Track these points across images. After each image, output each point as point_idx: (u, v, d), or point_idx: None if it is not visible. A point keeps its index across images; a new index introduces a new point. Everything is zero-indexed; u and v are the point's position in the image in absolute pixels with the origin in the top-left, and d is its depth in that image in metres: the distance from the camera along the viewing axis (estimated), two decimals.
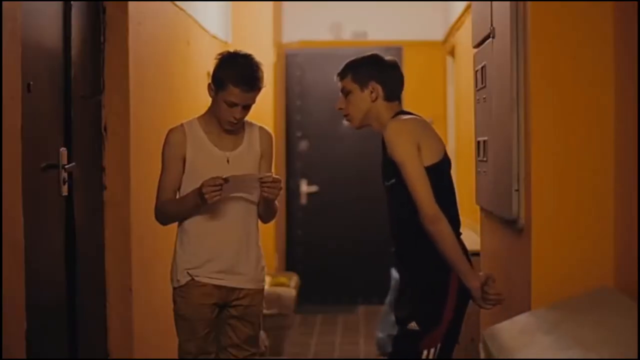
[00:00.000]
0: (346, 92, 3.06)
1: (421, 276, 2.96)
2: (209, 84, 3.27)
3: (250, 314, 3.34)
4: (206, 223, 3.25)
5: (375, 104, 3.01)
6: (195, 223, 3.26)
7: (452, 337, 2.96)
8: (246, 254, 3.30)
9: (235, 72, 3.17)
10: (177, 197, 3.29)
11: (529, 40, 2.62)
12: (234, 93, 3.16)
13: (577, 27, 2.58)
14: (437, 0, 7.45)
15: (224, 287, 3.27)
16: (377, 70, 3.02)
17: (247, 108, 3.23)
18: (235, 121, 3.22)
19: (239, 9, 6.86)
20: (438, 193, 2.85)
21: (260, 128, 3.38)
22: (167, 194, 3.26)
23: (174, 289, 3.30)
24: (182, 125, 3.30)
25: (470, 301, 2.95)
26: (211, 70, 3.33)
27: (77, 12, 3.49)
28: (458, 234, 2.97)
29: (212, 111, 3.30)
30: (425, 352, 2.90)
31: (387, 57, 3.10)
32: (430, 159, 2.88)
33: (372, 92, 3.00)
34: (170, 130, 3.30)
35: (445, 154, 2.96)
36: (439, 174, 2.90)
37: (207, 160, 3.24)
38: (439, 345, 2.89)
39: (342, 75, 3.10)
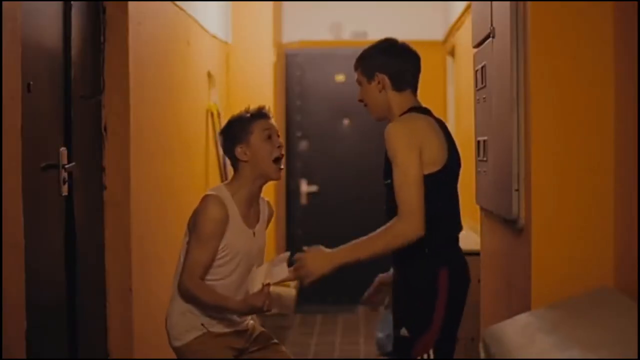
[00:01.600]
0: (360, 84, 3.01)
1: (411, 279, 2.91)
2: (239, 148, 3.18)
3: (265, 339, 3.33)
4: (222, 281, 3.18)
5: (384, 95, 2.94)
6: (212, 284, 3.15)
7: (448, 340, 2.90)
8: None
9: (255, 112, 3.23)
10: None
11: (529, 40, 2.62)
12: (264, 125, 3.20)
13: (577, 27, 2.58)
14: (437, 0, 7.45)
15: (237, 331, 3.23)
16: (383, 60, 2.95)
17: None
18: (282, 152, 3.21)
19: (239, 9, 6.86)
20: (432, 203, 2.79)
21: (266, 201, 3.36)
22: (203, 272, 3.09)
23: (181, 346, 3.16)
24: (218, 197, 3.13)
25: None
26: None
27: (77, 12, 3.49)
28: (456, 239, 2.94)
29: (242, 178, 3.20)
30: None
31: (399, 43, 3.00)
32: (428, 167, 2.81)
33: (378, 83, 2.94)
34: (213, 203, 3.11)
35: (449, 162, 2.87)
36: (436, 184, 2.83)
37: (240, 238, 3.16)
38: (431, 351, 2.84)
39: (355, 66, 3.03)
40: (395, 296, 3.02)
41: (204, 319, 3.14)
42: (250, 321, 3.32)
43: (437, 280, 2.85)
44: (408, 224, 2.75)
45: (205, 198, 3.13)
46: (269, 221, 3.36)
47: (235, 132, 3.21)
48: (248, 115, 3.23)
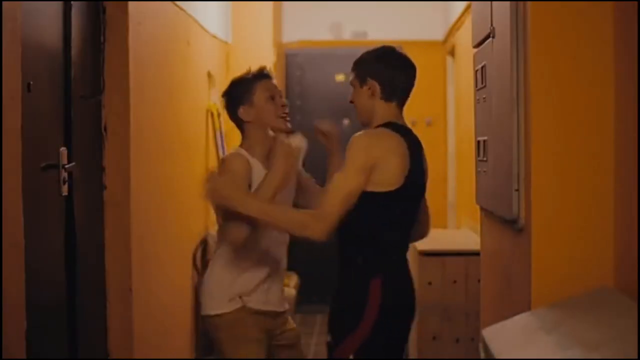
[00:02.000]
0: (353, 86, 3.02)
1: (343, 286, 2.98)
2: (242, 109, 3.22)
3: (294, 337, 3.39)
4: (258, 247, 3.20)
5: (372, 102, 2.95)
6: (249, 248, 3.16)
7: (387, 351, 2.89)
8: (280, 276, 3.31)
9: (256, 73, 3.25)
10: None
11: (529, 40, 2.62)
12: (266, 85, 3.21)
13: (577, 27, 2.58)
14: (437, 0, 7.45)
15: (273, 311, 3.26)
16: (377, 67, 2.96)
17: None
18: (286, 110, 3.22)
19: (239, 9, 6.86)
20: (375, 219, 2.84)
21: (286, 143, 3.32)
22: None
23: (215, 316, 3.18)
24: (238, 153, 3.18)
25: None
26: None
27: (77, 12, 3.49)
28: (399, 254, 2.97)
29: (250, 139, 3.24)
30: None
31: (397, 53, 3.03)
32: (379, 186, 2.81)
33: (369, 89, 2.95)
34: (234, 157, 3.16)
35: (406, 184, 2.85)
36: (384, 202, 2.83)
37: None
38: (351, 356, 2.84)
39: (352, 68, 3.04)
40: (330, 302, 3.03)
41: (241, 290, 3.15)
42: (287, 305, 3.32)
43: (367, 290, 2.86)
44: (317, 225, 2.80)
45: (227, 157, 3.18)
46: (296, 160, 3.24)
47: (238, 93, 3.24)
48: (250, 76, 3.25)
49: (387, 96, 2.95)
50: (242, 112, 3.22)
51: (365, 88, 2.96)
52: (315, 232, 2.80)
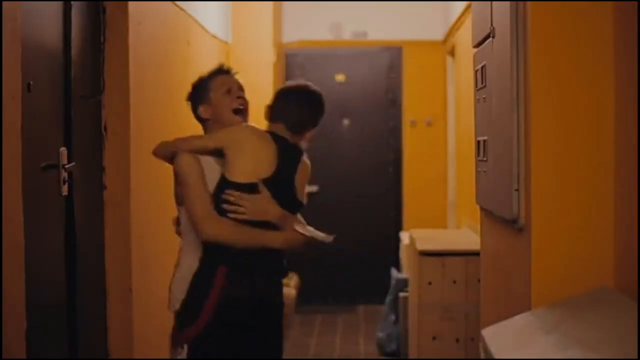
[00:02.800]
0: None
1: (196, 272, 3.06)
2: (201, 107, 3.24)
3: None
4: None
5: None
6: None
7: (212, 345, 2.95)
8: None
9: (213, 70, 3.31)
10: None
11: (529, 40, 2.61)
12: (222, 80, 3.25)
13: (577, 27, 2.58)
14: (437, 0, 7.45)
15: None
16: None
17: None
18: (242, 103, 3.24)
19: (239, 9, 6.86)
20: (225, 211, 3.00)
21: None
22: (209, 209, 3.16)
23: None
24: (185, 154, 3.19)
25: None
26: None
27: (77, 12, 3.49)
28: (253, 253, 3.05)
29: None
30: (176, 350, 2.97)
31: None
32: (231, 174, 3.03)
33: None
34: (181, 157, 3.14)
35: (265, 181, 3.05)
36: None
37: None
38: (186, 346, 2.94)
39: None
40: None
41: None
42: None
43: (213, 278, 2.97)
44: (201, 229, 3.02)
45: (175, 160, 3.13)
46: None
47: (197, 93, 3.27)
48: (206, 74, 3.30)
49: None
50: (201, 110, 3.24)
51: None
52: (202, 235, 3.07)
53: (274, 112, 3.25)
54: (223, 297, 2.95)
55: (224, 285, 2.96)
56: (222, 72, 3.31)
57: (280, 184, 3.12)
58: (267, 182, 3.06)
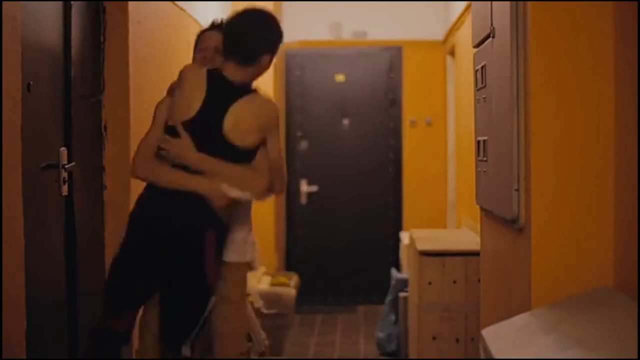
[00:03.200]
0: None
1: None
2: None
3: None
4: None
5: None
6: None
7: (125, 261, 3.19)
8: None
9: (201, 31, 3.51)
10: None
11: (529, 40, 2.61)
12: (202, 38, 3.42)
13: (577, 27, 2.58)
14: (437, 0, 7.45)
15: None
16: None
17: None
18: (205, 54, 3.37)
19: (239, 9, 6.85)
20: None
21: None
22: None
23: None
24: None
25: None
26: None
27: (77, 12, 3.49)
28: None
29: None
30: None
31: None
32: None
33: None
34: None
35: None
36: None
37: None
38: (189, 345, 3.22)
39: None
40: None
41: None
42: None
43: (139, 197, 3.21)
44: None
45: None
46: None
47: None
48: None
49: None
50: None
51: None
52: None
53: (223, 49, 3.16)
54: (139, 211, 3.11)
55: (141, 199, 3.12)
56: (205, 30, 3.44)
57: (204, 127, 3.08)
58: (187, 125, 3.07)
